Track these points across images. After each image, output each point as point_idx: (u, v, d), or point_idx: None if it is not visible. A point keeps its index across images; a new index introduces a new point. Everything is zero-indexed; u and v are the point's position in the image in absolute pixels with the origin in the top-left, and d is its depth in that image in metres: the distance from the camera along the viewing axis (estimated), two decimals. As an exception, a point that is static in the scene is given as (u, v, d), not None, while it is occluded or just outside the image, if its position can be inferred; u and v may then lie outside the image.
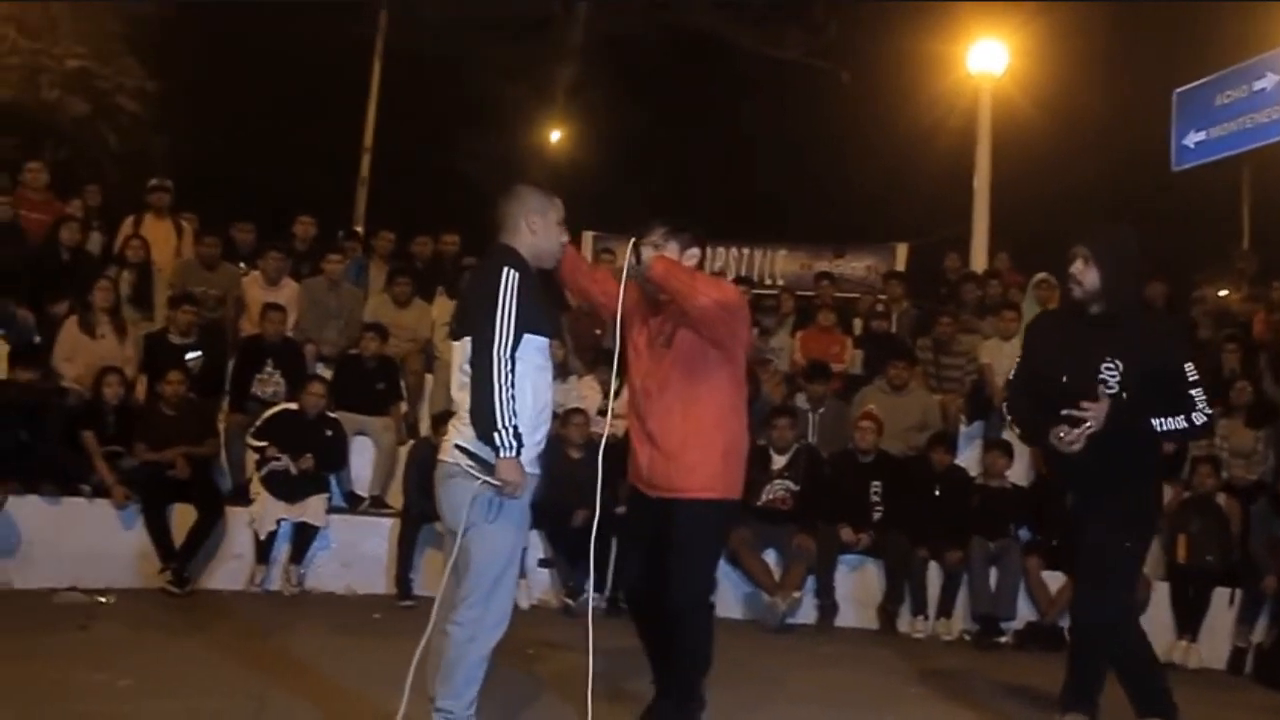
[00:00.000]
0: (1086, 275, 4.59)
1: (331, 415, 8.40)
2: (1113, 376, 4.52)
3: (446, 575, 4.06)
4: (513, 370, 3.83)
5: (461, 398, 3.94)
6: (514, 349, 3.84)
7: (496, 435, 3.78)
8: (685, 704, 4.57)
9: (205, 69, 18.17)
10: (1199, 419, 4.51)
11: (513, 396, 3.81)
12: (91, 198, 10.86)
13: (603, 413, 9.12)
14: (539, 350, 4.00)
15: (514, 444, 3.79)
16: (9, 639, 5.99)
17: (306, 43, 18.06)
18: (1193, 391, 4.51)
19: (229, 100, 18.80)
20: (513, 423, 3.79)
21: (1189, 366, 4.57)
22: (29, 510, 7.47)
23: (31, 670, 5.24)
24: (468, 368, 3.89)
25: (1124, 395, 4.48)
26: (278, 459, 7.95)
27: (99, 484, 7.69)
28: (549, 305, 4.08)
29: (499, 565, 3.95)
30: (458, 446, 3.95)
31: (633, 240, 4.43)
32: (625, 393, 9.17)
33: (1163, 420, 4.47)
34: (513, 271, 3.91)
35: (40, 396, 7.83)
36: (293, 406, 8.25)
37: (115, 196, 12.02)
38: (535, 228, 4.11)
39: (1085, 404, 4.44)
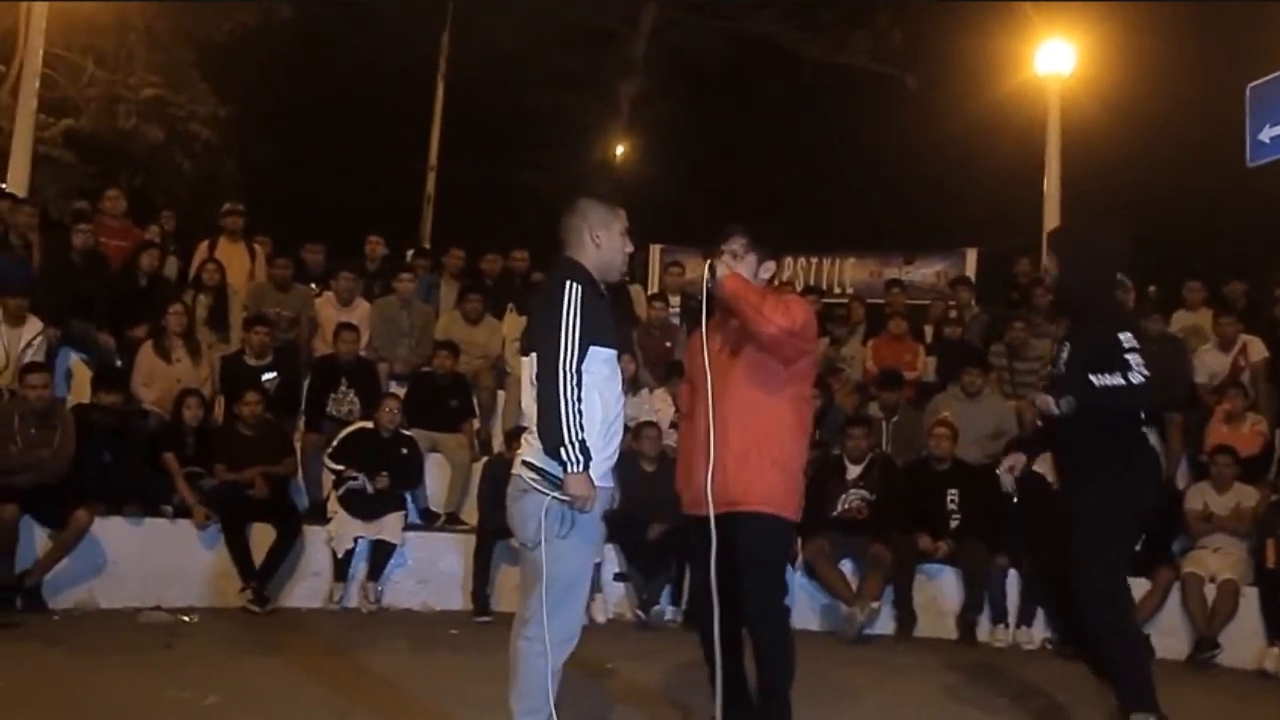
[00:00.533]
0: (1050, 273, 5.09)
1: (406, 433, 8.47)
2: (1061, 360, 5.00)
3: (521, 591, 4.07)
4: (579, 384, 3.81)
5: (532, 412, 3.93)
6: (579, 362, 3.83)
7: (563, 450, 3.76)
8: (777, 713, 4.48)
9: (273, 94, 18.48)
10: (1135, 378, 4.74)
11: (579, 410, 3.79)
12: (167, 223, 11.07)
13: (675, 426, 9.13)
14: (605, 362, 3.95)
15: (580, 458, 3.76)
16: (96, 657, 6.10)
17: (370, 64, 18.30)
18: (1128, 355, 4.76)
19: (297, 124, 19.10)
20: (580, 437, 3.77)
21: (1125, 335, 4.81)
22: (113, 531, 7.61)
23: (119, 687, 5.33)
24: (535, 383, 3.89)
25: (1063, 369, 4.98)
26: (354, 478, 8.03)
27: (180, 504, 7.83)
28: (616, 318, 4.05)
29: (567, 579, 3.92)
30: (525, 462, 3.94)
31: (709, 260, 4.40)
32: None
33: (1099, 376, 4.75)
34: (575, 285, 3.89)
35: (122, 419, 7.99)
36: (368, 425, 8.33)
37: (189, 221, 12.25)
38: (600, 240, 4.06)
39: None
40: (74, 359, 9.01)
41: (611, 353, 3.98)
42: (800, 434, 4.49)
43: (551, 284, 3.96)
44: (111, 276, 9.47)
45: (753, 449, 4.32)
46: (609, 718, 5.31)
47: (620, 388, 4.07)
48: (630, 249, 4.19)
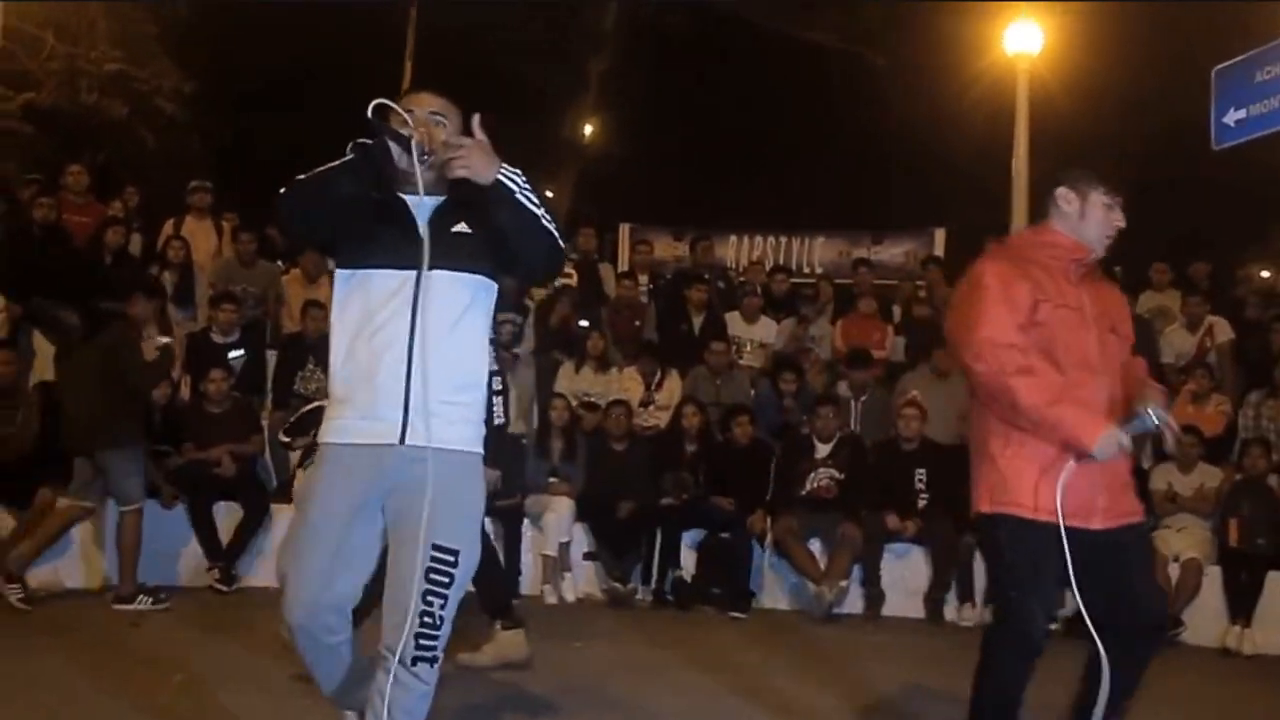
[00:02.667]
0: None
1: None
2: None
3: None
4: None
5: None
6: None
7: None
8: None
9: (238, 68, 18.26)
10: None
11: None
12: (130, 199, 10.93)
13: (644, 404, 9.14)
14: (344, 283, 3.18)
15: None
16: (65, 635, 6.05)
17: (337, 36, 18.11)
18: None
19: (262, 97, 18.89)
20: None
21: None
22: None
23: (90, 665, 5.29)
24: None
25: None
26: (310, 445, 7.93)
27: (151, 485, 7.75)
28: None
29: None
30: None
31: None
32: (667, 384, 9.24)
33: None
34: None
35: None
36: (324, 403, 8.23)
37: (154, 198, 12.09)
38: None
39: None
40: (37, 336, 8.88)
41: (354, 273, 3.13)
42: None
43: None
44: (76, 252, 9.34)
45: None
46: (587, 691, 5.30)
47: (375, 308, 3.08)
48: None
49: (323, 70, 18.21)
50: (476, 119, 3.02)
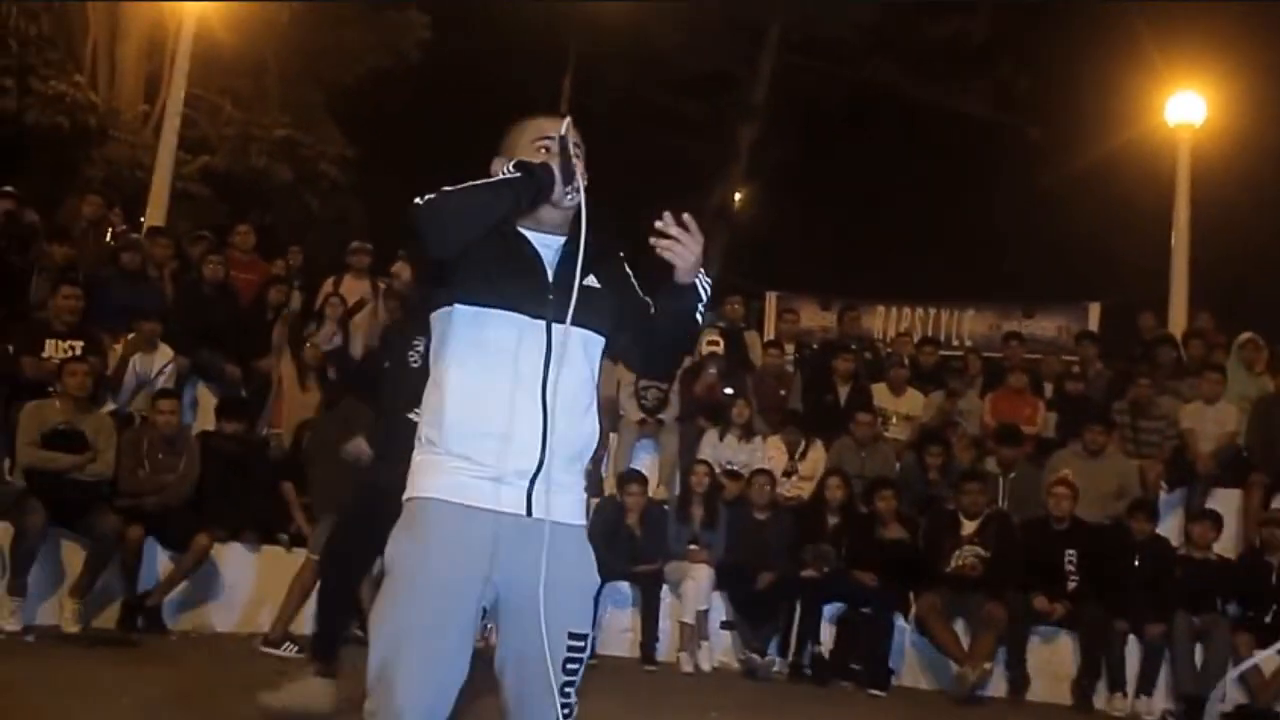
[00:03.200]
0: None
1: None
2: None
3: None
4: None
5: None
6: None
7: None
8: None
9: (400, 135, 18.89)
10: None
11: None
12: (294, 258, 11.35)
13: (787, 474, 9.08)
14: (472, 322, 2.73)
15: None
16: (211, 680, 6.22)
17: (494, 109, 18.61)
18: None
19: (422, 163, 19.46)
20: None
21: None
22: (231, 556, 7.80)
23: (231, 711, 5.42)
24: None
25: None
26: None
27: (296, 533, 7.97)
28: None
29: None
30: None
31: None
32: (811, 454, 9.16)
33: None
34: None
35: (245, 447, 8.19)
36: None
37: (315, 258, 12.55)
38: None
39: None
40: (200, 387, 9.27)
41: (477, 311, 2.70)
42: None
43: None
44: (240, 309, 9.75)
45: None
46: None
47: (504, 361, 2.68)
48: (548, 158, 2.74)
49: (478, 137, 18.72)
50: (686, 216, 2.68)
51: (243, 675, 6.40)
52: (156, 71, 16.11)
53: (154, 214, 12.76)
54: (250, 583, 7.78)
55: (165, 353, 8.72)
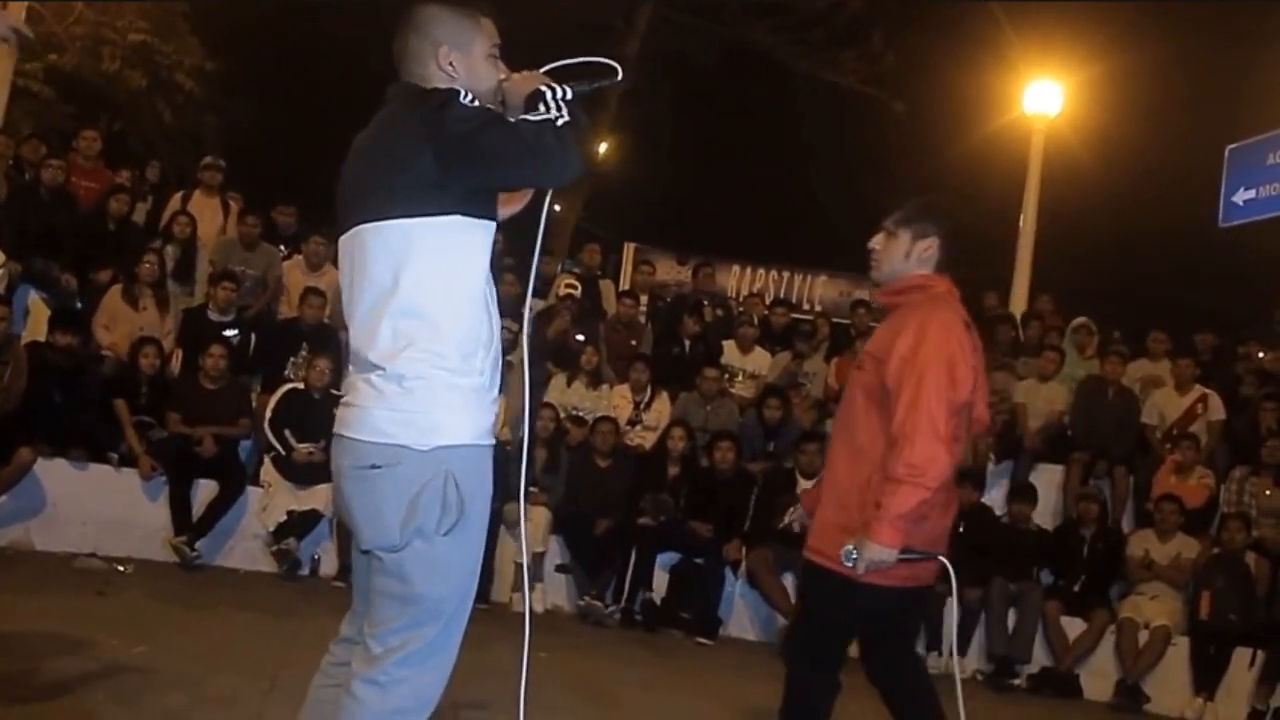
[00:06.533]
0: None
1: (337, 393, 8.41)
2: None
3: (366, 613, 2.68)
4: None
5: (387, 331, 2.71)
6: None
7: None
8: None
9: (260, 54, 18.32)
10: None
11: None
12: (152, 173, 10.93)
13: (631, 423, 9.14)
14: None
15: None
16: (29, 598, 6.03)
17: (357, 35, 18.19)
18: None
19: (280, 86, 18.96)
20: None
21: None
22: (57, 473, 7.53)
23: (48, 629, 5.27)
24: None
25: None
26: (304, 448, 7.91)
27: (127, 453, 7.74)
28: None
29: (456, 598, 2.64)
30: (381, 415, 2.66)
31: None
32: (656, 403, 9.24)
33: None
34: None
35: (77, 361, 7.88)
36: (299, 386, 8.23)
37: (164, 171, 12.11)
38: (455, 69, 2.69)
39: None
40: (33, 296, 8.87)
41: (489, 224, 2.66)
42: None
43: (413, 110, 2.60)
44: (80, 217, 9.34)
45: None
46: (548, 703, 5.28)
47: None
48: (502, 75, 2.74)
49: (343, 61, 18.29)
50: None
51: (62, 594, 6.24)
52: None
53: (-10, 111, 12.11)
54: (75, 501, 7.52)
55: (-4, 255, 8.33)
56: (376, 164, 2.62)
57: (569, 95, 2.61)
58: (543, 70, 2.73)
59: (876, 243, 3.74)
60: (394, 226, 2.54)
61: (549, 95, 2.60)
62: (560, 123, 2.54)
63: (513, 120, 2.58)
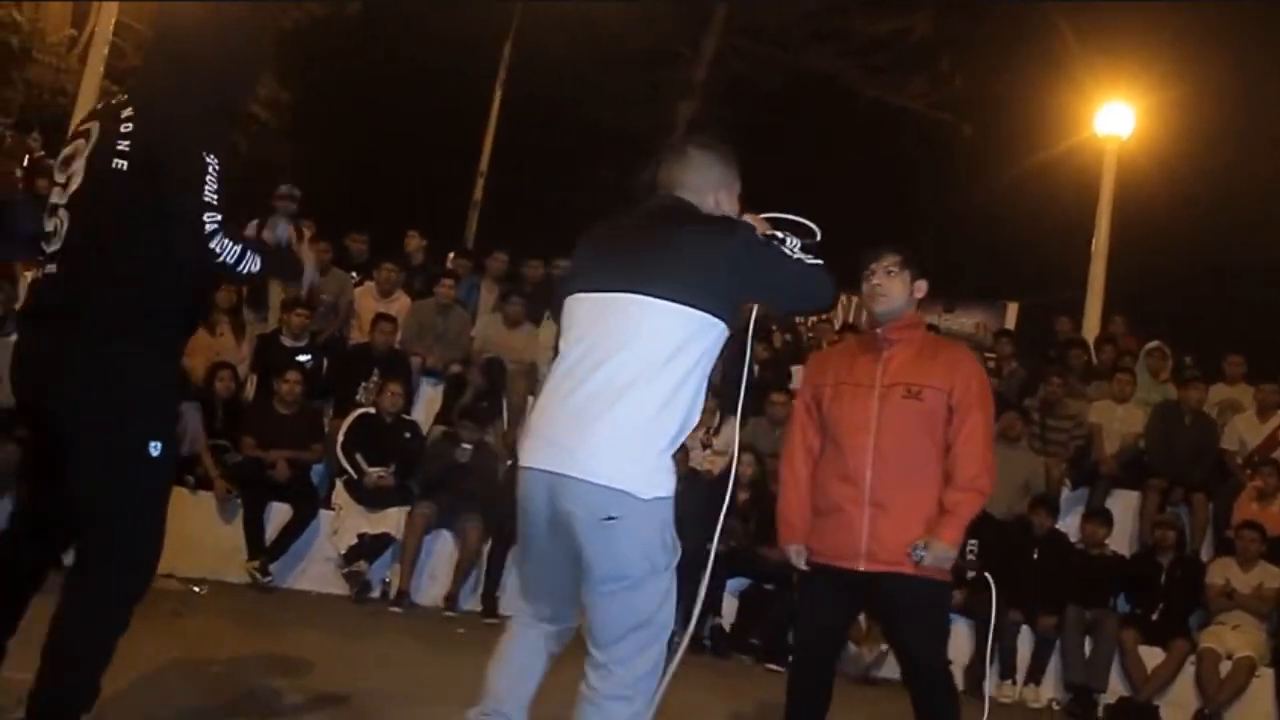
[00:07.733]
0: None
1: (408, 418, 8.52)
2: None
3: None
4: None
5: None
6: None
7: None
8: None
9: (334, 86, 18.65)
10: None
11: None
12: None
13: (705, 446, 9.13)
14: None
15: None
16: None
17: (431, 68, 18.45)
18: None
19: (353, 117, 19.27)
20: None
21: None
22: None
23: (124, 646, 5.33)
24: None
25: None
26: (377, 473, 8.01)
27: (203, 476, 7.86)
28: None
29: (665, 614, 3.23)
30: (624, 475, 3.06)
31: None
32: (725, 429, 9.22)
33: None
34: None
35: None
36: (370, 411, 8.33)
37: (241, 200, 12.30)
38: (720, 206, 3.33)
39: None
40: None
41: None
42: None
43: (709, 224, 3.19)
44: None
45: None
46: None
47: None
48: (743, 213, 3.42)
49: (413, 93, 18.56)
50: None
51: (138, 613, 6.33)
52: (86, -4, 15.72)
53: (75, 145, 12.41)
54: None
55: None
56: (654, 252, 3.08)
57: (798, 246, 3.25)
58: (762, 216, 3.34)
59: (879, 278, 4.14)
60: (676, 311, 3.02)
61: (779, 238, 3.26)
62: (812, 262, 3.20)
63: (789, 254, 3.20)
